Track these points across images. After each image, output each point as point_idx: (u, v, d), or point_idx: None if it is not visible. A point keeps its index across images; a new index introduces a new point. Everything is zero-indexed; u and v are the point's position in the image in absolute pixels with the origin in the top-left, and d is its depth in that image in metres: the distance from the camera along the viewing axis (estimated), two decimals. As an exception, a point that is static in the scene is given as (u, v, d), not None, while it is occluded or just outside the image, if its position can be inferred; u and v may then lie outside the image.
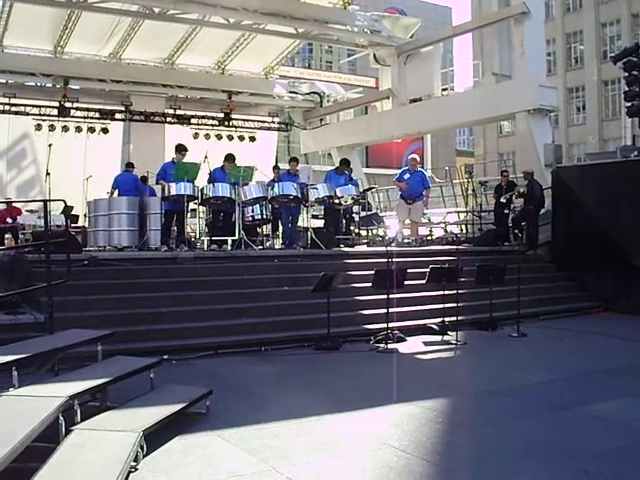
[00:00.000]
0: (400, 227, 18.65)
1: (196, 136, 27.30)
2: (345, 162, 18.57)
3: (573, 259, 16.95)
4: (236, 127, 28.44)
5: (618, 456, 6.23)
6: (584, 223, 16.92)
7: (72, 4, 21.13)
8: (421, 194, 17.97)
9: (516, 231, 18.92)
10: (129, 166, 17.94)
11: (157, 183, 16.09)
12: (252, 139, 28.79)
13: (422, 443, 6.56)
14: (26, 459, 5.09)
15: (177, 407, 6.90)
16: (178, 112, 27.02)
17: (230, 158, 16.45)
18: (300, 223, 17.50)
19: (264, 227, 17.47)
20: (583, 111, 53.17)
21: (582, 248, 16.62)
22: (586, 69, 51.79)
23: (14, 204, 19.75)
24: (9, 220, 19.29)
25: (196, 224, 17.58)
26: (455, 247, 15.61)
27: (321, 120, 30.34)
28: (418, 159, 18.77)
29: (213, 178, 15.84)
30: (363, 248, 17.29)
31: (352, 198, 17.24)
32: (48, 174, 16.61)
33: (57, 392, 6.14)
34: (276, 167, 19.44)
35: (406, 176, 17.87)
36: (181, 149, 16.15)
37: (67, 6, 21.49)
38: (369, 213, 21.15)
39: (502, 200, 18.71)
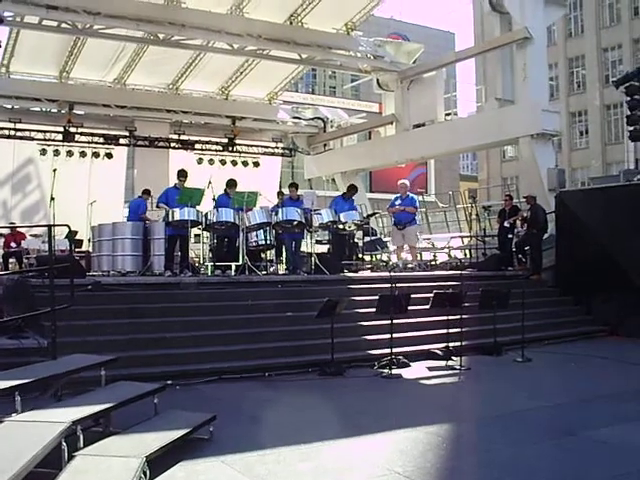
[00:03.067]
0: (398, 253, 18.89)
1: (200, 161, 27.43)
2: (353, 188, 18.66)
3: (577, 283, 16.91)
4: (240, 152, 28.55)
5: (623, 482, 6.20)
6: (588, 247, 16.88)
7: (78, 30, 21.26)
8: (413, 219, 18.14)
9: (520, 256, 18.89)
10: (145, 193, 17.81)
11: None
12: (256, 164, 28.89)
13: (426, 469, 6.53)
14: (29, 485, 5.07)
15: (181, 433, 6.86)
16: (182, 137, 27.18)
17: (232, 184, 16.49)
18: (304, 248, 17.50)
19: (268, 252, 17.48)
20: (586, 135, 53.22)
21: (586, 272, 16.57)
22: (588, 93, 51.90)
23: (18, 229, 19.78)
24: (13, 245, 19.31)
25: (200, 249, 17.56)
26: (459, 272, 15.60)
27: (325, 145, 30.40)
28: (408, 184, 18.80)
29: (218, 204, 15.87)
30: (367, 273, 17.26)
31: (355, 223, 17.24)
32: (52, 199, 16.67)
33: (60, 417, 6.13)
34: (280, 192, 19.49)
35: (397, 202, 18.15)
36: (182, 175, 16.23)
37: (73, 33, 21.64)
38: (373, 238, 21.17)
39: (506, 225, 18.69)
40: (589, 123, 52.67)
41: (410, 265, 18.00)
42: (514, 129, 21.08)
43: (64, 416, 6.18)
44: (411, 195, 18.65)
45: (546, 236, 18.16)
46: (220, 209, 15.43)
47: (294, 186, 17.70)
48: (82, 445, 6.07)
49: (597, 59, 51.35)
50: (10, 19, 19.30)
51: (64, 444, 5.78)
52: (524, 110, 20.93)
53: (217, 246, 16.24)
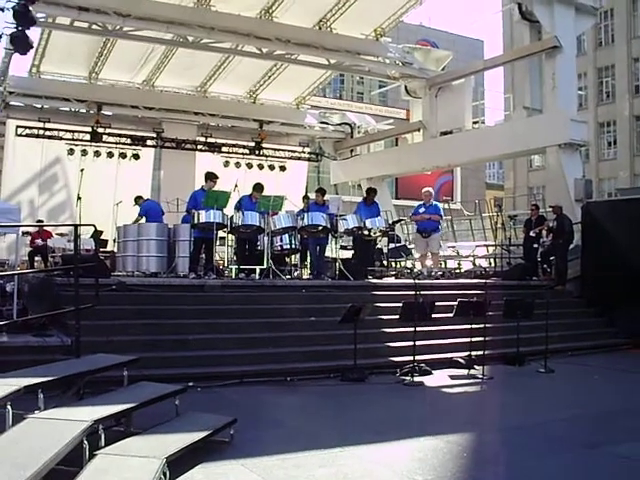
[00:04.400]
0: (422, 261, 18.87)
1: (226, 164, 27.49)
2: (372, 191, 18.46)
3: (602, 295, 16.81)
4: (266, 156, 28.60)
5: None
6: (614, 258, 16.80)
7: (108, 32, 21.40)
8: (437, 227, 18.16)
9: (545, 266, 18.79)
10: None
11: (187, 212, 16.16)
12: (282, 169, 28.94)
13: (446, 478, 6.50)
14: (50, 482, 5.10)
15: (201, 435, 6.87)
16: (209, 140, 27.26)
17: (259, 188, 16.46)
18: (328, 254, 17.48)
19: (292, 257, 17.49)
20: (614, 146, 52.82)
21: (611, 284, 16.48)
22: (617, 104, 51.53)
23: (45, 227, 19.89)
24: (39, 241, 19.40)
25: (225, 252, 17.59)
26: (483, 281, 15.54)
27: (351, 151, 30.39)
28: (432, 192, 18.76)
29: (240, 205, 15.88)
30: (391, 280, 17.23)
31: (380, 230, 17.21)
32: (79, 198, 16.74)
33: (82, 416, 6.16)
34: (306, 197, 19.46)
35: (421, 210, 18.14)
36: (211, 177, 16.20)
37: (103, 34, 21.78)
38: (397, 245, 21.12)
39: (531, 234, 18.59)
40: (617, 134, 52.29)
41: (433, 272, 17.91)
42: (542, 138, 20.97)
43: (86, 415, 6.20)
44: (435, 203, 18.64)
45: (572, 247, 18.05)
46: (246, 212, 15.41)
47: (321, 192, 17.65)
48: (103, 444, 6.08)
49: (627, 69, 50.97)
50: (42, 20, 19.41)
51: (85, 443, 5.80)
52: (552, 119, 20.82)
53: (238, 249, 16.24)
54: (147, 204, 17.91)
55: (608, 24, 51.98)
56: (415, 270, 18.64)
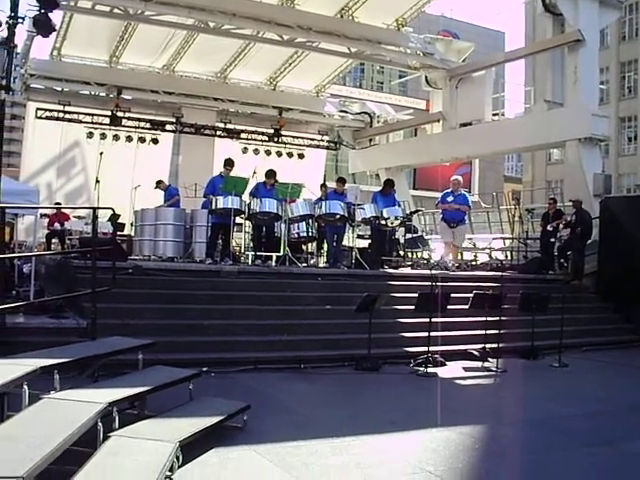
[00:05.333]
0: (447, 250, 18.46)
1: (245, 151, 27.47)
2: (389, 183, 18.18)
3: (619, 291, 16.74)
4: (285, 144, 28.57)
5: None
6: (631, 254, 16.72)
7: (129, 16, 21.43)
8: (464, 218, 17.88)
9: (562, 260, 18.71)
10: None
11: (205, 197, 16.18)
12: (301, 156, 28.90)
13: (458, 470, 6.51)
14: (64, 462, 5.13)
15: (214, 420, 6.90)
16: (228, 126, 27.24)
17: (270, 174, 16.27)
18: (345, 242, 17.47)
19: (309, 245, 17.49)
20: (635, 141, 52.50)
21: (629, 280, 16.41)
22: (639, 99, 51.24)
23: (63, 210, 19.98)
24: (57, 225, 19.49)
25: (241, 238, 17.60)
26: (499, 273, 15.51)
27: (370, 140, 30.38)
28: (461, 180, 18.48)
29: (255, 192, 15.86)
30: (407, 270, 17.19)
31: (397, 219, 17.15)
32: (98, 181, 16.79)
33: (97, 398, 6.20)
34: (323, 185, 19.44)
35: (449, 198, 17.69)
36: (228, 163, 16.22)
37: (124, 18, 21.81)
38: (414, 236, 21.07)
39: (549, 228, 18.51)
40: (639, 129, 51.98)
41: (454, 263, 17.71)
42: (562, 132, 20.86)
43: (101, 397, 6.25)
44: (464, 192, 18.37)
45: (589, 242, 17.97)
46: (264, 199, 15.40)
47: (341, 181, 17.57)
48: (117, 426, 6.13)
49: (651, 64, 50.70)
50: (64, 3, 19.41)
51: (100, 424, 5.84)
52: (573, 113, 20.70)
53: (254, 235, 16.24)
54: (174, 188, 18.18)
55: (633, 17, 51.56)
56: (439, 259, 18.40)
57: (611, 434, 8.14)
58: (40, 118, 24.11)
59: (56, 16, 14.80)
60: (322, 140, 29.61)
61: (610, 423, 8.76)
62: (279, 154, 28.48)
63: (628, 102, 52.22)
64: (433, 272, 13.19)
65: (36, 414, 5.78)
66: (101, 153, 18.32)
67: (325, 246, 17.65)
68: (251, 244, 16.54)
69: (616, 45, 52.40)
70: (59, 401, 6.10)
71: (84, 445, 5.58)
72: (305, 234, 16.41)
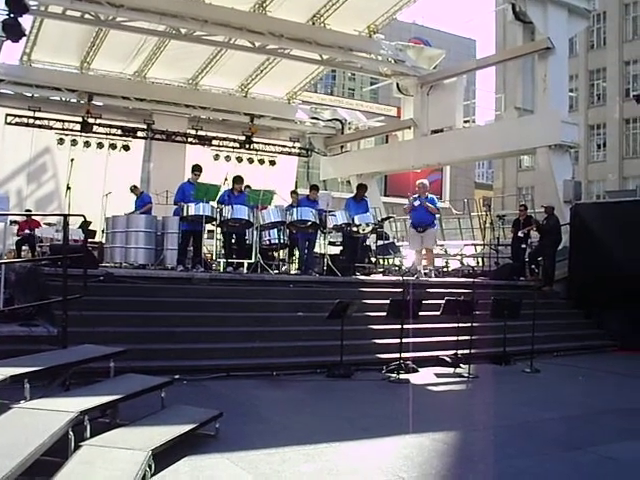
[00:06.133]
0: (417, 258, 18.04)
1: (217, 157, 27.46)
2: (362, 187, 18.29)
3: (589, 296, 16.89)
4: (257, 150, 28.56)
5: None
6: (601, 260, 16.86)
7: (100, 22, 21.33)
8: (432, 222, 17.58)
9: (532, 266, 18.83)
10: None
11: (176, 204, 16.12)
12: (272, 163, 28.92)
13: (431, 476, 6.51)
14: (34, 472, 5.09)
15: (187, 428, 6.86)
16: (200, 133, 27.22)
17: (237, 180, 16.34)
18: (317, 249, 17.48)
19: (280, 252, 17.48)
20: (604, 148, 53.01)
21: (599, 286, 16.55)
22: (608, 106, 51.73)
23: (33, 217, 19.84)
24: (27, 231, 19.34)
25: (213, 245, 17.57)
26: (471, 280, 15.57)
27: (342, 147, 30.39)
28: (427, 184, 18.25)
29: (223, 199, 15.76)
30: (379, 277, 17.23)
31: (368, 225, 17.13)
32: (69, 188, 16.70)
33: (68, 407, 6.14)
34: (294, 192, 19.43)
35: (416, 203, 17.33)
36: (196, 169, 16.23)
37: (95, 24, 21.70)
38: (386, 242, 21.13)
39: (520, 234, 18.64)
40: (607, 136, 52.51)
41: (426, 271, 17.52)
42: (532, 139, 21.00)
43: (72, 406, 6.19)
44: (431, 196, 17.93)
45: (560, 248, 18.09)
46: (235, 206, 15.39)
47: (315, 188, 17.65)
48: (89, 435, 6.07)
49: (618, 72, 51.18)
50: (34, 8, 19.28)
51: (71, 433, 5.79)
52: (543, 120, 20.85)
53: (225, 243, 16.19)
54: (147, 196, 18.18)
55: (600, 27, 52.26)
56: (410, 267, 18.26)
57: (585, 438, 8.18)
58: (10, 124, 23.90)
59: (26, 21, 14.75)
60: (293, 147, 29.59)
61: (583, 427, 8.81)
62: (250, 161, 28.46)
63: (597, 109, 52.77)
64: (404, 278, 13.21)
65: (6, 424, 5.73)
66: (72, 160, 18.28)
67: (297, 253, 17.66)
68: (222, 251, 16.51)
69: (585, 53, 52.98)
70: (30, 410, 6.05)
71: (55, 455, 5.52)
72: (277, 241, 16.45)
